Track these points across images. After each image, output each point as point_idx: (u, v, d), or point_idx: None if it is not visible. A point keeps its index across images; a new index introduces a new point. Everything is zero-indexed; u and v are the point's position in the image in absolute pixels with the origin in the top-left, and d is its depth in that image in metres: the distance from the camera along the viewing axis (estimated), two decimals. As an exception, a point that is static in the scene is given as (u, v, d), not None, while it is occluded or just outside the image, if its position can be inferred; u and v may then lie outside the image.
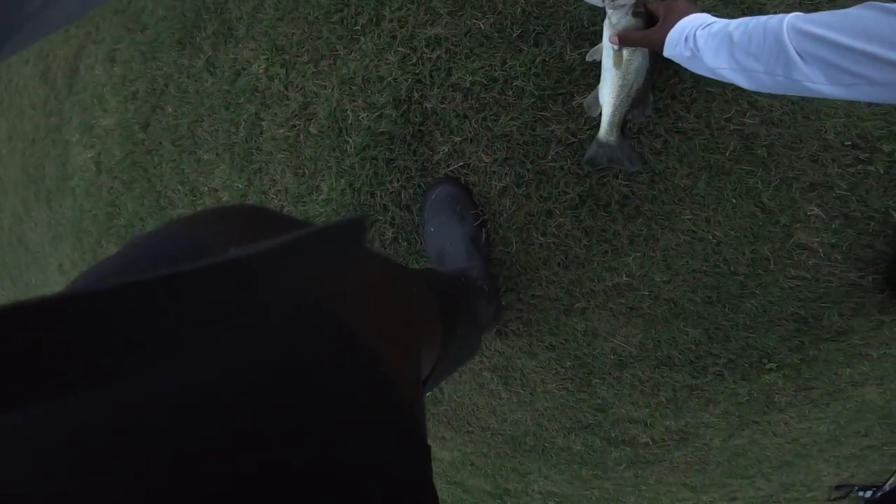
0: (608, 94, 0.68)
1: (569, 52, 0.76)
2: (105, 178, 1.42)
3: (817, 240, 0.70)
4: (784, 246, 0.71)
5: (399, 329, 0.44)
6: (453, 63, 0.81)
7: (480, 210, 0.81)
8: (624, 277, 0.78)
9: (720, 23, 0.56)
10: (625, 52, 0.66)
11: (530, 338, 0.88)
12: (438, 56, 0.82)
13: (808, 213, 0.69)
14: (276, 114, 1.00)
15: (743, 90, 0.57)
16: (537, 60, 0.76)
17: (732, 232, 0.71)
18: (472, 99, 0.78)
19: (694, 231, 0.72)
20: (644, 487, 1.18)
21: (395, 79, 0.85)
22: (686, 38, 0.58)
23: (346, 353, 0.34)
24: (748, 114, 0.71)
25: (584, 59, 0.73)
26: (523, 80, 0.76)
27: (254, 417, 0.27)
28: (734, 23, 0.55)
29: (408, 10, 0.87)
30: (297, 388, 0.29)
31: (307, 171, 0.96)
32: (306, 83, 0.95)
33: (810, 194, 0.68)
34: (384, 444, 0.33)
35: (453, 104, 0.79)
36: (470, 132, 0.79)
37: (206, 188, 1.18)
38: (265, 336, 0.28)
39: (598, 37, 0.75)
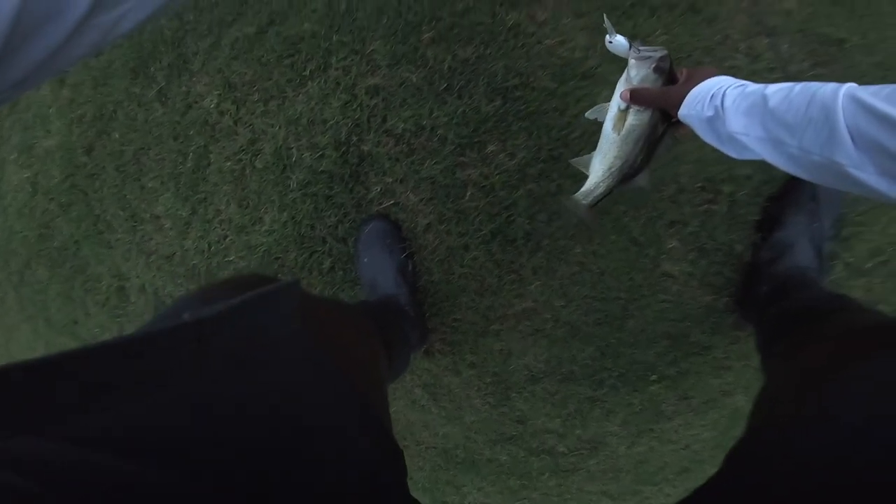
0: (599, 162, 0.67)
1: (485, 105, 0.92)
2: (40, 200, 1.42)
3: (678, 269, 0.88)
4: (653, 274, 0.88)
5: (357, 352, 0.56)
6: (388, 111, 0.95)
7: (408, 244, 0.94)
8: (530, 303, 0.92)
9: (755, 85, 0.51)
10: (629, 116, 0.63)
11: (454, 356, 1.01)
12: (376, 104, 0.96)
13: (670, 247, 0.86)
14: (224, 147, 1.09)
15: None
16: (458, 111, 0.92)
17: (613, 263, 0.88)
18: (402, 144, 0.93)
19: (583, 263, 0.89)
20: (569, 496, 1.30)
21: (336, 122, 0.98)
22: (713, 96, 0.53)
23: (327, 375, 0.44)
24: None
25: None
26: (446, 129, 0.91)
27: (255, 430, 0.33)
28: (774, 86, 0.49)
29: (352, 60, 1.01)
30: (289, 408, 0.36)
31: (251, 203, 1.05)
32: (255, 121, 1.06)
33: (671, 230, 0.86)
34: (368, 453, 0.43)
35: (386, 148, 0.93)
36: (400, 174, 0.92)
37: (148, 215, 1.22)
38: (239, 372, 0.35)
39: (510, 95, 0.93)
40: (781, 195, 0.85)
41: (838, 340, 0.56)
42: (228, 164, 1.08)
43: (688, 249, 0.86)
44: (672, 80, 0.62)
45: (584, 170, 0.70)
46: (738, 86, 0.52)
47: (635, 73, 0.62)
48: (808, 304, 0.74)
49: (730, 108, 0.50)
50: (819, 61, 0.88)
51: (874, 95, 0.39)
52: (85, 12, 0.31)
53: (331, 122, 0.98)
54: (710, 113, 0.53)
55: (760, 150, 0.49)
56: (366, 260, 0.94)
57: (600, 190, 0.67)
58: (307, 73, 1.03)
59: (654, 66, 0.61)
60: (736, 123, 0.50)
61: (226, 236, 1.12)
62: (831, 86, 0.43)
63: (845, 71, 0.86)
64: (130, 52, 1.31)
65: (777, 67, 0.85)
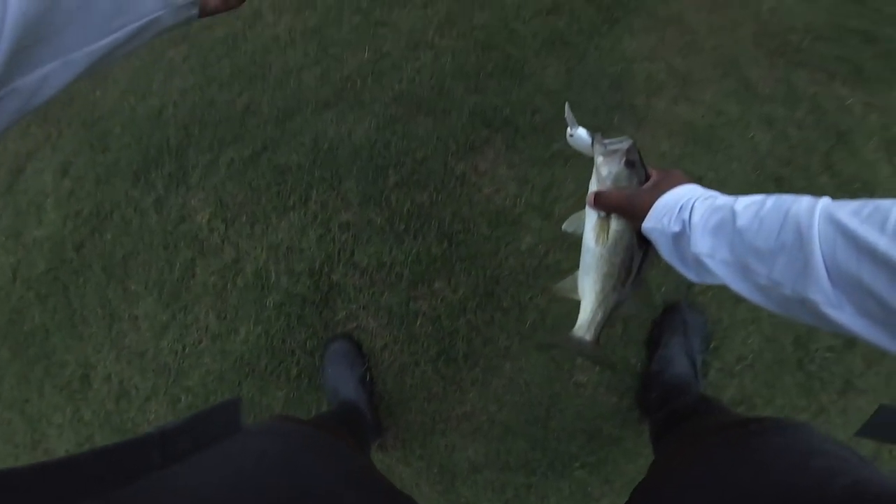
0: (588, 284, 0.60)
1: (434, 247, 1.15)
2: (19, 287, 1.46)
3: (588, 378, 1.10)
4: (568, 383, 1.10)
5: (343, 447, 0.72)
6: (356, 246, 1.17)
7: (367, 359, 1.14)
8: (469, 408, 1.12)
9: (725, 197, 0.47)
10: (613, 222, 0.57)
11: (405, 450, 1.18)
12: (346, 239, 1.18)
13: (579, 362, 1.09)
14: (210, 263, 1.26)
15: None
16: (413, 251, 1.15)
17: (536, 376, 1.09)
18: (366, 277, 1.14)
19: (512, 377, 1.10)
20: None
21: (312, 252, 1.19)
22: (681, 208, 0.49)
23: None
24: (541, 297, 1.13)
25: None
26: (402, 267, 1.14)
27: None
28: (745, 199, 0.44)
29: (329, 195, 1.24)
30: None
31: (229, 316, 1.22)
32: (241, 242, 1.26)
33: None
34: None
35: (353, 280, 1.14)
36: (363, 302, 1.13)
37: (127, 315, 1.31)
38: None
39: (455, 239, 1.17)
40: (661, 320, 1.10)
41: (691, 437, 0.75)
42: (213, 278, 1.25)
43: (594, 363, 1.10)
44: (645, 174, 0.57)
45: (571, 295, 0.63)
46: (708, 197, 0.48)
47: (606, 172, 0.56)
48: (682, 407, 0.96)
49: (697, 224, 0.46)
50: None
51: (854, 215, 0.34)
52: None
53: (307, 252, 1.19)
54: (676, 228, 0.48)
55: (725, 276, 0.44)
56: (330, 371, 1.12)
57: (599, 317, 0.60)
58: (291, 203, 1.25)
59: (623, 160, 0.55)
60: (702, 244, 0.45)
61: (201, 341, 1.25)
62: (806, 201, 0.39)
63: None
64: (137, 155, 1.49)
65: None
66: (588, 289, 0.61)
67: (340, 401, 1.08)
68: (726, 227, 0.44)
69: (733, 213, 0.43)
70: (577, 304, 0.64)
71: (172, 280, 1.29)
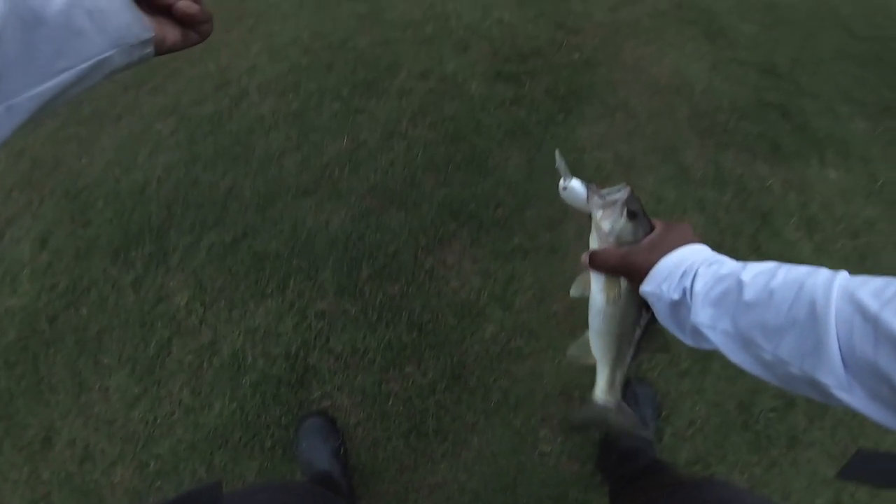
0: (602, 344, 0.57)
1: (405, 335, 1.26)
2: None
3: (551, 448, 1.21)
4: (533, 453, 1.19)
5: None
6: (331, 333, 1.27)
7: (341, 434, 1.22)
8: (440, 478, 1.19)
9: (732, 264, 0.45)
10: (622, 280, 0.53)
11: (377, 519, 1.25)
12: (322, 326, 1.28)
13: (542, 434, 1.20)
14: (186, 342, 1.32)
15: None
16: (385, 338, 1.26)
17: (502, 448, 1.18)
18: (341, 361, 1.24)
19: (480, 449, 1.19)
20: None
21: (288, 338, 1.28)
22: (683, 274, 0.47)
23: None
24: (504, 378, 1.25)
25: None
26: (375, 353, 1.24)
27: None
28: (753, 267, 0.43)
29: (305, 285, 1.34)
30: None
31: (204, 392, 1.27)
32: (219, 325, 1.33)
33: (542, 422, 1.21)
34: None
35: (328, 363, 1.24)
36: (337, 383, 1.22)
37: (98, 386, 1.33)
38: None
39: (424, 328, 1.28)
40: None
41: (642, 494, 0.86)
42: (189, 357, 1.31)
43: (556, 434, 1.21)
44: (649, 225, 0.54)
45: (584, 360, 0.61)
46: (712, 263, 0.46)
47: (608, 227, 0.54)
48: (636, 470, 1.07)
49: (699, 293, 0.44)
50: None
51: (876, 297, 0.32)
52: None
53: (284, 337, 1.28)
54: (675, 296, 0.46)
55: (725, 348, 0.42)
56: (304, 444, 1.19)
57: (618, 378, 0.58)
58: (269, 290, 1.34)
59: (624, 211, 0.53)
60: (703, 314, 0.43)
61: (173, 413, 1.29)
62: (824, 276, 0.37)
63: None
64: (119, 231, 1.55)
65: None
66: (603, 351, 0.58)
67: (315, 472, 1.15)
68: (731, 297, 0.42)
69: (740, 284, 0.41)
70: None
71: (147, 356, 1.33)
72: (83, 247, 1.51)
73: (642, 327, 0.56)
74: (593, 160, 1.65)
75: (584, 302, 1.33)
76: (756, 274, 0.42)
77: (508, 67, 1.95)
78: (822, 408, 1.24)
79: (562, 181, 0.59)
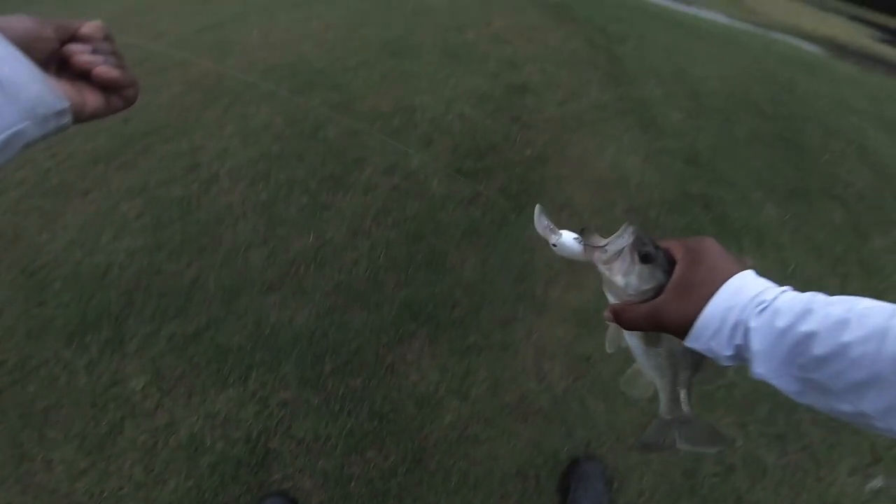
0: (654, 374, 0.59)
1: (367, 424, 1.47)
2: None
3: None
4: None
5: None
6: (293, 420, 1.46)
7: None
8: None
9: (787, 311, 0.44)
10: None
11: None
12: (284, 414, 1.47)
13: None
14: (140, 423, 1.44)
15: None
16: (348, 426, 1.46)
17: None
18: (303, 446, 1.41)
19: None
20: None
21: (249, 423, 1.45)
22: (734, 329, 0.46)
23: None
24: (463, 461, 1.47)
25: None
26: (337, 439, 1.43)
27: None
28: (818, 314, 0.42)
29: (268, 377, 1.54)
30: None
31: (158, 469, 1.37)
32: (176, 409, 1.48)
33: (501, 501, 1.42)
34: None
35: (290, 448, 1.41)
36: (299, 466, 1.38)
37: (41, 457, 1.38)
38: None
39: (385, 417, 1.50)
40: (568, 471, 1.43)
41: None
42: (143, 437, 1.43)
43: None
44: (666, 259, 0.52)
45: (639, 390, 0.63)
46: (763, 308, 0.45)
47: (623, 280, 0.52)
48: None
49: (759, 353, 0.44)
50: (576, 375, 1.63)
51: None
52: None
53: (244, 423, 1.44)
54: (728, 352, 0.46)
55: (794, 394, 0.44)
56: None
57: (683, 393, 0.59)
58: (231, 381, 1.52)
59: (635, 257, 0.51)
60: (765, 369, 0.44)
61: (122, 487, 1.35)
62: None
63: (594, 381, 1.60)
64: (74, 315, 1.69)
65: (552, 385, 1.57)
66: (656, 376, 0.59)
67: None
68: (799, 356, 0.42)
69: (807, 338, 0.42)
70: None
71: (98, 433, 1.43)
72: (35, 327, 1.64)
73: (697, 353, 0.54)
74: (542, 259, 2.01)
75: (535, 390, 1.63)
76: (821, 325, 0.41)
77: (467, 164, 2.37)
78: (762, 469, 1.52)
79: (551, 239, 0.58)
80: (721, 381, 0.59)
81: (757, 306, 0.45)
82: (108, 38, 0.51)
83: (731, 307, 0.46)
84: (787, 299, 0.45)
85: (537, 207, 0.61)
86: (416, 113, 2.63)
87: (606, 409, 1.55)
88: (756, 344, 0.45)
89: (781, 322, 0.43)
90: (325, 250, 1.96)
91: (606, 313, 0.55)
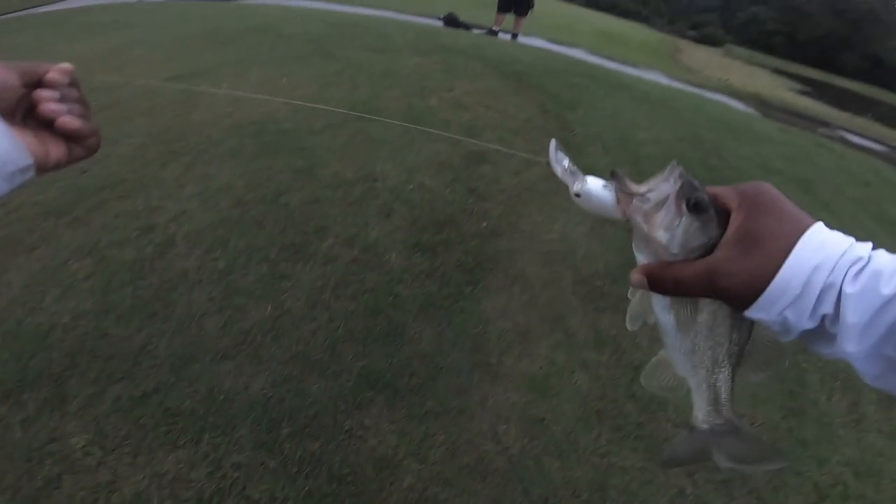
0: (687, 362, 0.54)
1: (325, 486, 1.58)
2: None
3: None
4: None
5: None
6: (248, 482, 1.56)
7: None
8: None
9: (891, 260, 0.41)
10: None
11: None
12: (238, 476, 1.57)
13: None
14: (80, 479, 1.50)
15: None
16: (305, 489, 1.57)
17: None
18: (258, 508, 1.51)
19: None
20: None
21: (201, 484, 1.54)
22: (825, 291, 0.42)
23: None
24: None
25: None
26: (294, 501, 1.53)
27: None
28: None
29: (221, 440, 1.65)
30: None
31: None
32: (120, 467, 1.55)
33: None
34: None
35: (244, 512, 1.51)
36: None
37: None
38: None
39: (344, 480, 1.64)
40: None
41: None
42: (82, 493, 1.48)
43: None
44: (717, 211, 0.47)
45: (664, 384, 0.58)
46: (858, 269, 0.41)
47: (667, 236, 0.47)
48: None
49: (855, 325, 0.40)
50: (530, 436, 1.81)
51: None
52: None
53: (196, 484, 1.53)
54: (810, 325, 0.42)
55: (868, 374, 0.42)
56: None
57: (724, 393, 0.54)
58: (181, 443, 1.63)
59: (683, 205, 0.46)
60: (859, 346, 0.40)
61: None
62: None
63: (548, 441, 1.78)
64: (12, 373, 1.77)
65: (508, 446, 1.75)
66: (691, 368, 0.54)
67: None
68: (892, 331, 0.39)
69: None
70: None
71: (32, 487, 1.48)
72: (-32, 383, 1.69)
73: (744, 332, 0.51)
74: (496, 330, 2.27)
75: (492, 451, 1.83)
76: None
77: (425, 238, 2.65)
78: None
79: (574, 186, 0.53)
80: (773, 370, 0.53)
81: (852, 265, 0.42)
82: (73, 83, 0.55)
83: (818, 266, 0.42)
84: (888, 260, 0.41)
85: (553, 142, 0.57)
86: (378, 182, 2.94)
87: (561, 466, 1.75)
88: (852, 315, 0.40)
89: (887, 289, 0.40)
90: (282, 320, 2.13)
91: (637, 275, 0.49)
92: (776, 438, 2.08)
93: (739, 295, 0.44)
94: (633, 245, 0.52)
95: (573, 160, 0.55)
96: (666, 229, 0.47)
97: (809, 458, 2.04)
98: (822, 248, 0.42)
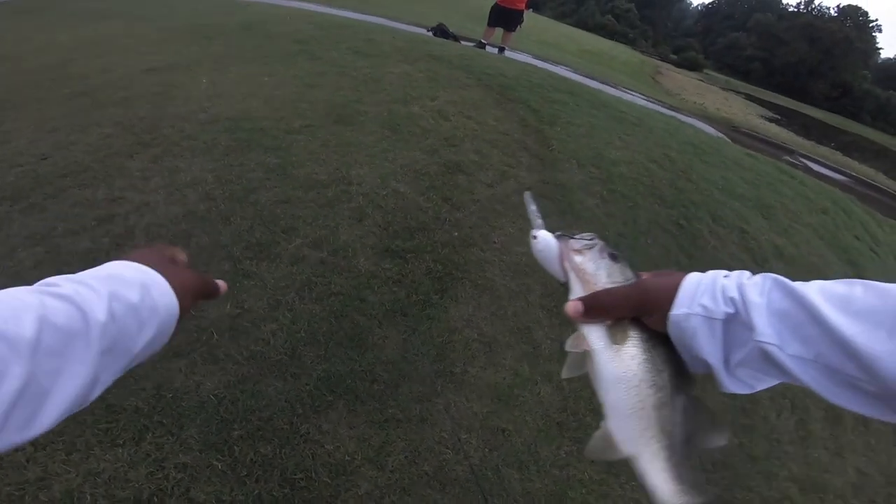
0: (634, 425, 0.51)
1: (276, 490, 1.51)
2: None
3: None
4: None
5: None
6: (192, 484, 1.48)
7: None
8: None
9: (772, 283, 0.48)
10: (628, 327, 0.52)
11: None
12: (182, 477, 1.49)
13: None
14: (6, 476, 1.40)
15: None
16: (255, 492, 1.49)
17: None
18: (201, 515, 1.43)
19: None
20: None
21: (140, 484, 1.45)
22: (725, 288, 0.48)
23: None
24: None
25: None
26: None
27: None
28: (824, 285, 0.46)
29: (167, 439, 1.57)
30: None
31: None
32: (51, 464, 1.45)
33: None
34: None
35: (186, 515, 1.42)
36: (193, 541, 1.40)
37: None
38: None
39: (297, 485, 1.56)
40: None
41: None
42: (8, 488, 1.39)
43: None
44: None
45: (610, 455, 0.54)
46: (749, 276, 0.49)
47: (594, 267, 0.56)
48: None
49: (758, 304, 0.46)
50: (491, 446, 1.76)
51: None
52: None
53: (134, 483, 1.45)
54: (728, 309, 0.47)
55: (800, 373, 0.44)
56: None
57: (685, 467, 0.51)
58: (121, 441, 1.54)
59: (606, 253, 0.57)
60: (769, 329, 0.44)
61: None
62: None
63: (508, 452, 1.73)
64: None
65: (468, 455, 1.70)
66: (638, 432, 0.51)
67: None
68: (807, 319, 0.44)
69: (817, 305, 0.44)
70: None
71: None
72: None
73: (681, 383, 0.52)
74: (462, 339, 2.23)
75: (452, 460, 1.78)
76: (833, 292, 0.44)
77: (396, 244, 2.61)
78: None
79: (534, 225, 0.63)
80: (720, 439, 0.54)
81: (745, 274, 0.51)
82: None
83: (709, 274, 0.52)
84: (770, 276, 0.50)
85: (527, 194, 0.68)
86: (352, 185, 2.89)
87: (521, 477, 1.71)
88: (751, 291, 0.47)
89: (782, 278, 0.48)
90: (242, 319, 2.05)
91: (574, 303, 0.55)
92: (728, 453, 2.09)
93: (662, 298, 0.51)
94: (570, 284, 0.59)
95: (539, 210, 0.66)
96: (594, 263, 0.57)
97: (758, 474, 2.06)
98: (711, 273, 0.53)
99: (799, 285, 0.47)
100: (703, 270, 0.54)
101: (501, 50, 7.96)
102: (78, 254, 2.14)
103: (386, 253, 2.54)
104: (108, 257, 1.88)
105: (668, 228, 3.32)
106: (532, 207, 0.65)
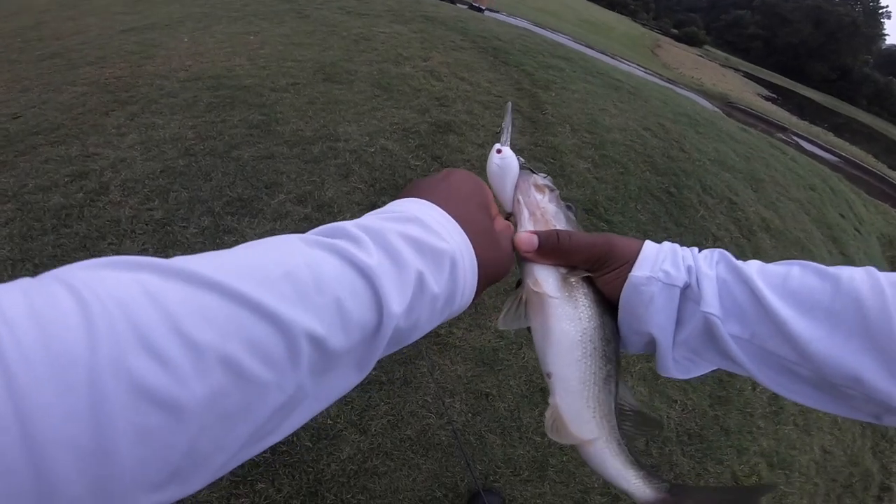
0: (584, 402, 0.48)
1: (255, 456, 1.46)
2: None
3: None
4: None
5: None
6: None
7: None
8: None
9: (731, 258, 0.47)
10: (572, 278, 0.49)
11: None
12: None
13: None
14: None
15: None
16: None
17: None
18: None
19: None
20: None
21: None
22: (683, 257, 0.47)
23: None
24: (362, 494, 1.49)
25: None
26: (217, 469, 1.41)
27: None
28: (765, 267, 0.46)
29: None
30: None
31: None
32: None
33: None
34: None
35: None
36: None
37: None
38: None
39: (277, 449, 1.50)
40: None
41: None
42: None
43: None
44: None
45: (561, 436, 0.49)
46: (701, 250, 0.49)
47: (554, 209, 0.53)
48: None
49: (708, 275, 0.45)
50: (475, 411, 1.73)
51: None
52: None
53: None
54: (683, 276, 0.46)
55: (739, 355, 0.44)
56: None
57: (633, 453, 0.49)
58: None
59: (563, 203, 0.54)
60: (715, 300, 0.44)
61: None
62: (860, 274, 0.42)
63: (491, 417, 1.71)
64: None
65: (453, 420, 1.67)
66: (589, 415, 0.48)
67: None
68: (739, 297, 0.44)
69: (759, 289, 0.43)
70: None
71: None
72: None
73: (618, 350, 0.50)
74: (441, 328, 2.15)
75: (435, 425, 1.72)
76: (775, 275, 0.45)
77: (383, 200, 2.52)
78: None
79: (501, 138, 0.56)
80: (655, 427, 0.53)
81: (699, 250, 0.50)
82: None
83: (664, 244, 0.50)
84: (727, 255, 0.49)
85: (509, 103, 0.62)
86: (339, 142, 2.78)
87: (503, 443, 1.67)
88: (703, 263, 0.47)
89: (738, 261, 0.47)
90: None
91: (521, 239, 0.50)
92: (704, 425, 2.09)
93: (627, 255, 0.48)
94: (521, 218, 0.54)
95: (516, 127, 0.57)
96: (555, 206, 0.54)
97: (730, 448, 2.07)
98: (667, 244, 0.51)
99: (741, 263, 0.47)
100: (691, 238, 0.50)
101: (480, 10, 7.65)
102: (50, 209, 2.04)
103: (372, 209, 2.45)
104: (80, 214, 1.77)
105: (657, 195, 3.25)
106: (508, 119, 0.57)
